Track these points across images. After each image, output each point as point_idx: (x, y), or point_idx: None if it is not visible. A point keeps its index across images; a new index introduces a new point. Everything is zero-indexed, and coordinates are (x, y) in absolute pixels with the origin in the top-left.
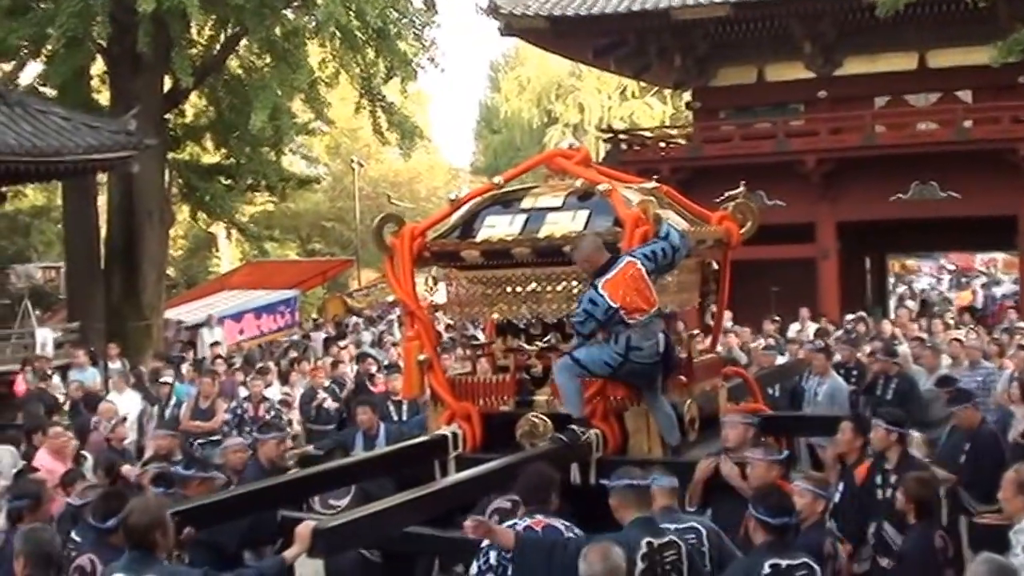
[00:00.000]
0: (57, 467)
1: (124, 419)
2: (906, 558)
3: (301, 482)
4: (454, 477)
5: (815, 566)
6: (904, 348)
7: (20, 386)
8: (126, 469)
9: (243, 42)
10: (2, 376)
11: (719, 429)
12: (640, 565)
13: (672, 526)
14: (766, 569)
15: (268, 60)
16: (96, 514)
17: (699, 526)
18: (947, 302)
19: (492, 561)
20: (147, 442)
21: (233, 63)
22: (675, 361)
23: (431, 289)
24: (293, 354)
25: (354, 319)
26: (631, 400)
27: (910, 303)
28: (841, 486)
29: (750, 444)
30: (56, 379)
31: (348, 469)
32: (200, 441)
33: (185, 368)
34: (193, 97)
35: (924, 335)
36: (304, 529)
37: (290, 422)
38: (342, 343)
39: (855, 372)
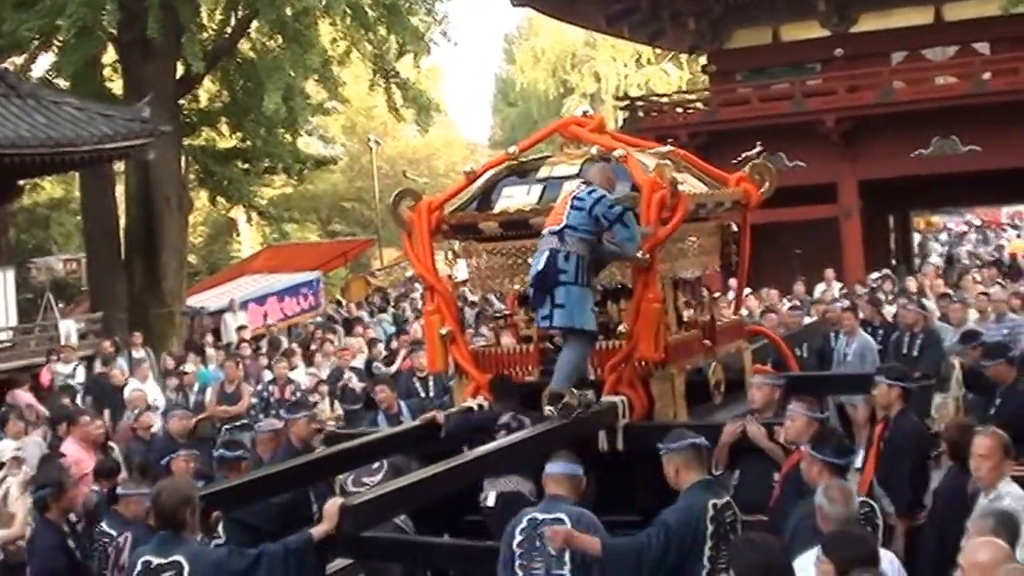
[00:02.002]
0: (84, 457)
1: (148, 408)
2: (938, 497)
3: (327, 461)
4: (479, 450)
5: (875, 504)
6: (931, 304)
7: (46, 377)
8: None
9: (254, 24)
10: (28, 369)
11: (744, 392)
12: (709, 528)
13: (542, 516)
14: None
15: (280, 41)
16: None
17: (564, 516)
18: (975, 257)
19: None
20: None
21: (245, 46)
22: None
23: (451, 263)
24: (319, 336)
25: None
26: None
27: (936, 259)
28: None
29: (776, 405)
30: (80, 370)
31: (373, 446)
32: (227, 426)
33: (211, 353)
34: (206, 82)
35: (950, 291)
36: (332, 506)
37: (316, 404)
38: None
39: (880, 330)
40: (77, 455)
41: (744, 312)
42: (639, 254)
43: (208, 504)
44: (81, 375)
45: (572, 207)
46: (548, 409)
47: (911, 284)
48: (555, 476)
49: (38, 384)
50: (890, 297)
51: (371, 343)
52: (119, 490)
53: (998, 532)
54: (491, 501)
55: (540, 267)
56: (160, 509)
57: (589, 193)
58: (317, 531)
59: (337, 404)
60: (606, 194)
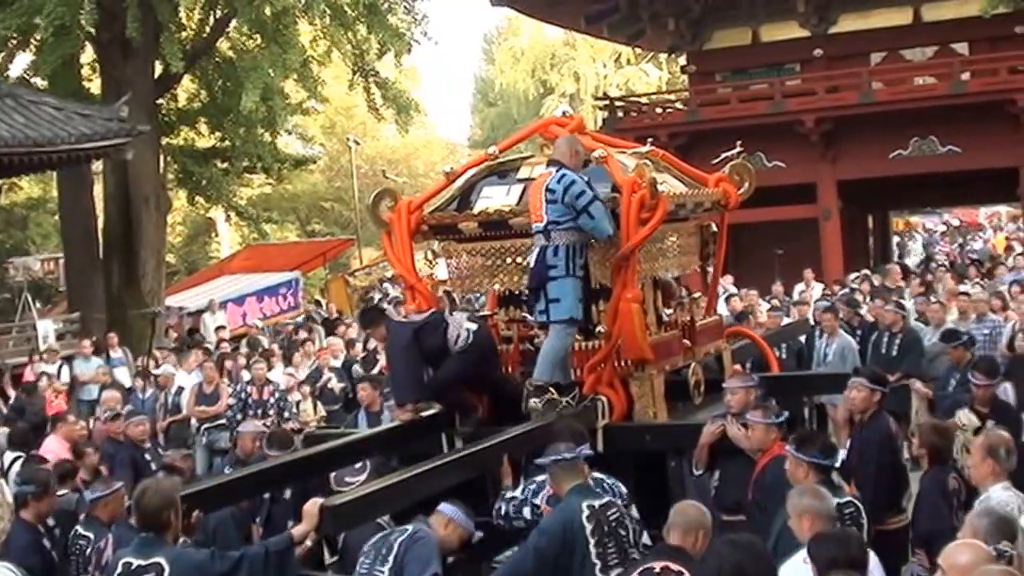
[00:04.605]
0: (65, 456)
1: (119, 415)
2: (920, 500)
3: (307, 461)
4: (460, 450)
5: (859, 504)
6: (908, 304)
7: (30, 376)
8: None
9: (233, 24)
10: (6, 369)
11: (723, 391)
12: (588, 526)
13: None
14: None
15: (259, 41)
16: None
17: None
18: (953, 257)
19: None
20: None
21: (223, 45)
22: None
23: (431, 263)
24: (299, 336)
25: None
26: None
27: (914, 258)
28: (848, 443)
29: (753, 406)
30: (65, 370)
31: (354, 446)
32: (206, 426)
33: (195, 356)
34: (185, 81)
35: (922, 289)
36: (312, 507)
37: (296, 404)
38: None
39: (859, 330)
40: (60, 454)
41: (726, 313)
42: (610, 233)
43: (190, 504)
44: (66, 375)
45: (547, 201)
46: (533, 402)
47: (891, 284)
48: (443, 518)
49: (19, 383)
50: (867, 298)
51: (348, 344)
52: (87, 495)
53: (993, 534)
54: None
55: (532, 265)
56: (143, 510)
57: (559, 181)
58: (297, 531)
59: (320, 405)
60: (575, 178)
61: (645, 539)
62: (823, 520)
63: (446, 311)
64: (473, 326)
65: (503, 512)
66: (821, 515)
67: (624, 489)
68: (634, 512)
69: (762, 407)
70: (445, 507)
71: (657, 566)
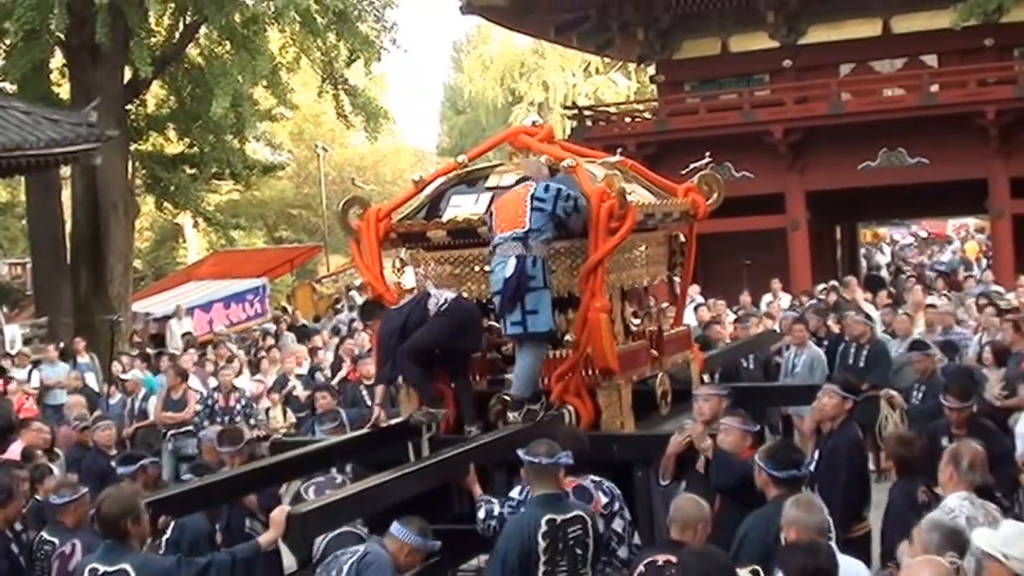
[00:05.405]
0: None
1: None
2: (888, 513)
3: (275, 468)
4: (427, 458)
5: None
6: (874, 315)
7: None
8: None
9: (203, 30)
10: None
11: (691, 402)
12: (542, 543)
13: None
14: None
15: (228, 47)
16: None
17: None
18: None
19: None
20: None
21: (193, 52)
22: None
23: (399, 271)
24: (266, 342)
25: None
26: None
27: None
28: (817, 454)
29: (723, 415)
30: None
31: (320, 454)
32: (173, 431)
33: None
34: (154, 87)
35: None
36: (279, 514)
37: (266, 411)
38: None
39: (826, 341)
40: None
41: (694, 323)
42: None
43: (155, 510)
44: (36, 379)
45: (533, 208)
46: (512, 415)
47: (858, 295)
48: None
49: None
50: (831, 310)
51: (312, 351)
52: (51, 499)
53: (943, 547)
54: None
55: (509, 273)
56: (103, 518)
57: (546, 190)
58: (265, 539)
59: (290, 412)
60: (560, 186)
61: (636, 539)
62: (809, 534)
63: (430, 287)
64: (452, 294)
65: (495, 513)
66: (809, 528)
67: (618, 491)
68: (627, 514)
69: (738, 414)
70: (397, 530)
71: (660, 559)
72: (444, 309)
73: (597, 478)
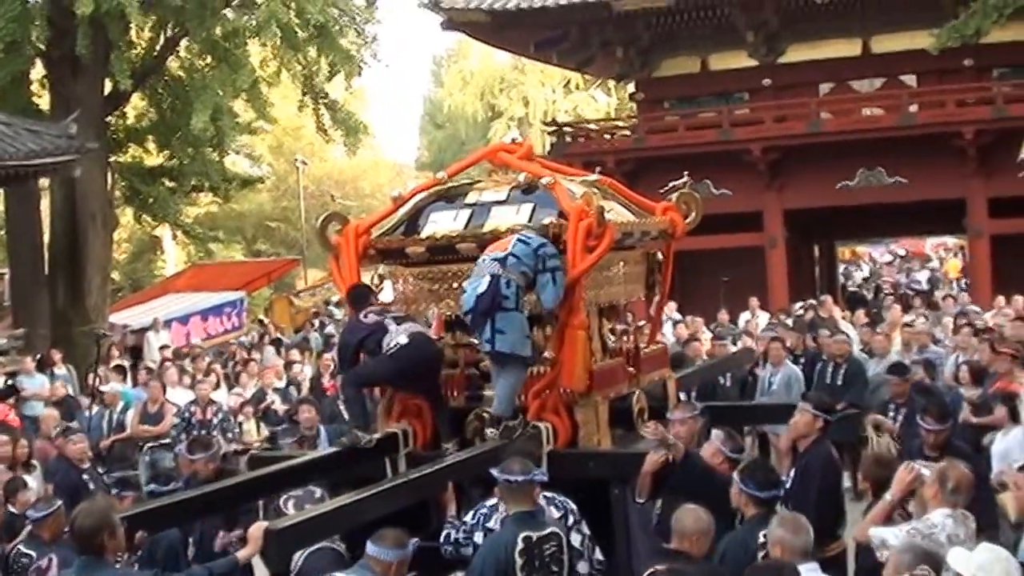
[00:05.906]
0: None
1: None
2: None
3: (253, 483)
4: (404, 474)
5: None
6: (852, 333)
7: None
8: None
9: (183, 43)
10: None
11: (667, 421)
12: (519, 561)
13: None
14: (760, 539)
15: (209, 61)
16: None
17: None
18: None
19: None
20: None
21: (174, 64)
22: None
23: (377, 287)
24: (244, 356)
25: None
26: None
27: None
28: (792, 472)
29: (699, 436)
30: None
31: (298, 469)
32: (151, 444)
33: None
34: (134, 99)
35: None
36: (256, 530)
37: (240, 425)
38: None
39: (803, 359)
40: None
41: (671, 340)
42: (550, 307)
43: (131, 525)
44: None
45: (519, 240)
46: (490, 431)
47: (836, 313)
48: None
49: None
50: (809, 328)
51: (288, 364)
52: (29, 513)
53: (914, 566)
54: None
55: (482, 290)
56: (78, 534)
57: (531, 238)
58: (242, 554)
59: (264, 426)
60: (547, 243)
61: (598, 554)
62: (794, 554)
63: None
64: (405, 340)
65: (452, 539)
66: (796, 550)
67: (573, 505)
68: (584, 528)
69: (725, 430)
70: (374, 550)
71: (662, 569)
72: (393, 352)
73: (550, 494)
